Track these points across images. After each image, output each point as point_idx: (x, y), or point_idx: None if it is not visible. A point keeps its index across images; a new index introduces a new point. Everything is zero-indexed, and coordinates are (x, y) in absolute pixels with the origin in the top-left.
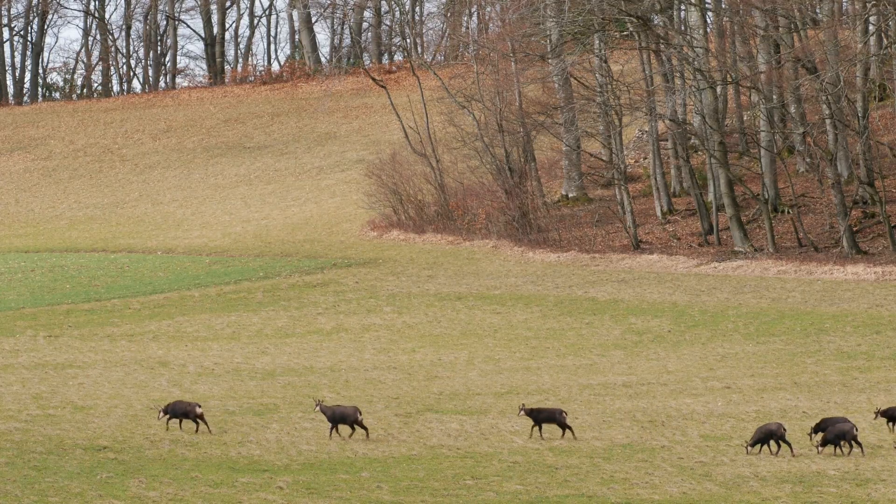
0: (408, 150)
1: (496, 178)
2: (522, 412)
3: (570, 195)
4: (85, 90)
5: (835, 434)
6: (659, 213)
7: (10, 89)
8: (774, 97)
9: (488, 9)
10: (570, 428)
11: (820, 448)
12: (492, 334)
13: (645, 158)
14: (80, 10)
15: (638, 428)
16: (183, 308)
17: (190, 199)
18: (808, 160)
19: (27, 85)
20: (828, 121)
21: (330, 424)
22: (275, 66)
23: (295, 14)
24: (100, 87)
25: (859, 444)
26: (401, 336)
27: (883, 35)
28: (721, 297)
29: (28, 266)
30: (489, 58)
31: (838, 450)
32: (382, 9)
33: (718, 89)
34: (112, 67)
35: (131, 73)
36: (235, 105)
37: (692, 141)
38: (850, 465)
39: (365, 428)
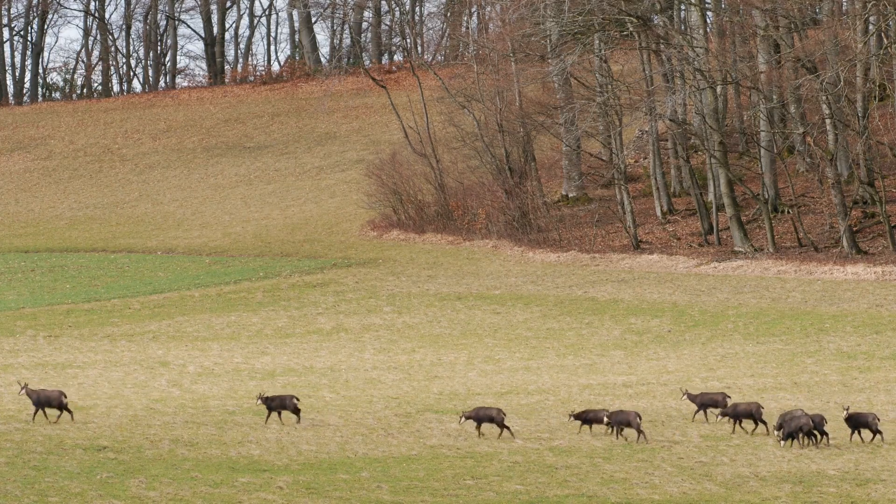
0: (408, 150)
1: (496, 178)
2: (259, 401)
3: (570, 195)
4: (85, 90)
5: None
6: (659, 213)
7: (10, 89)
8: (774, 97)
9: (488, 9)
10: (299, 412)
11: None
12: (492, 334)
13: (645, 158)
14: (80, 10)
15: None
16: (183, 308)
17: (190, 199)
18: (808, 160)
19: (27, 85)
20: (828, 121)
21: (34, 408)
22: (275, 66)
23: (295, 14)
24: (100, 87)
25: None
26: (401, 336)
27: (883, 35)
28: (721, 297)
29: (28, 266)
30: (489, 58)
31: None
32: (382, 9)
33: (718, 89)
34: (112, 67)
35: (131, 73)
36: (235, 105)
37: (692, 141)
38: (850, 465)
39: (70, 411)
